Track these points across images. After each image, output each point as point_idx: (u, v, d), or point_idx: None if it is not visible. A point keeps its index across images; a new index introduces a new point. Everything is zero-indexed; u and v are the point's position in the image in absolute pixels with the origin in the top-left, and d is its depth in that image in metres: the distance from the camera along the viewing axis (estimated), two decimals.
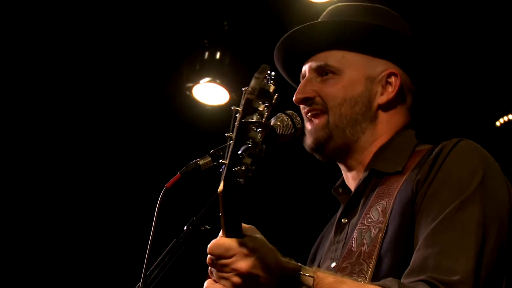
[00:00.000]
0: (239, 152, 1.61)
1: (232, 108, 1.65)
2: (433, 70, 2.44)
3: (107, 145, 6.37)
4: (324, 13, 2.51)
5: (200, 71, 5.55)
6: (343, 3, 2.50)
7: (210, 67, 5.50)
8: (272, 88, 1.64)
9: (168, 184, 2.10)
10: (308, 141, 2.39)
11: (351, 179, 2.42)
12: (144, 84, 5.98)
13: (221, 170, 1.68)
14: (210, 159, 2.15)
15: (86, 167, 6.47)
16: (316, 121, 2.37)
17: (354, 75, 2.37)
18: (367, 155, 2.36)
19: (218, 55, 5.48)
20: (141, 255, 2.04)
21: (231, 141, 1.63)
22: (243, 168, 1.62)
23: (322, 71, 2.39)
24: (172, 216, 2.77)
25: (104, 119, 6.22)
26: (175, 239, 2.15)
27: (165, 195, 2.09)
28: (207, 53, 5.50)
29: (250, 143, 1.61)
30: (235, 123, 1.62)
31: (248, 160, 1.62)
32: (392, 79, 2.39)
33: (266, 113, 1.62)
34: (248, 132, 1.61)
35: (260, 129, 1.62)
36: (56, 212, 6.55)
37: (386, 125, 2.38)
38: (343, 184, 2.47)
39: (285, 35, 2.45)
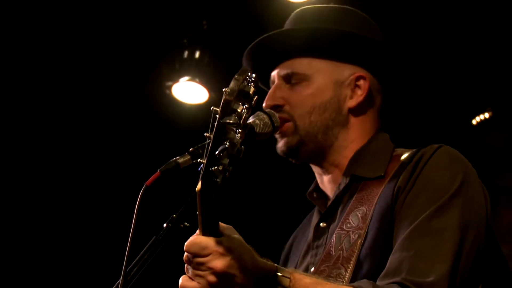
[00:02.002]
0: (217, 152, 1.63)
1: (211, 108, 1.67)
2: (403, 72, 2.44)
3: (86, 143, 6.35)
4: (291, 16, 2.51)
5: (179, 70, 5.57)
6: (309, 6, 2.50)
7: (189, 66, 5.52)
8: (252, 90, 1.65)
9: (147, 182, 2.11)
10: (280, 145, 2.39)
11: (326, 182, 2.42)
12: (123, 82, 5.97)
13: (199, 169, 1.70)
14: (189, 157, 2.16)
15: (66, 165, 6.44)
16: (283, 127, 2.36)
17: (322, 81, 2.38)
18: (343, 159, 2.36)
19: (197, 54, 5.49)
20: (121, 252, 2.06)
21: (209, 141, 1.65)
22: (221, 168, 1.63)
23: (289, 78, 2.40)
24: (152, 214, 2.79)
25: (83, 118, 6.20)
26: (154, 236, 2.17)
27: (145, 193, 2.10)
28: (186, 52, 5.52)
29: (228, 143, 1.63)
30: (214, 123, 1.64)
31: (226, 161, 1.64)
32: (361, 82, 2.39)
33: (245, 115, 1.64)
34: (226, 133, 1.63)
35: (239, 130, 1.64)
36: (35, 209, 6.51)
37: (359, 129, 2.39)
38: (317, 188, 2.47)
39: (253, 42, 2.46)
